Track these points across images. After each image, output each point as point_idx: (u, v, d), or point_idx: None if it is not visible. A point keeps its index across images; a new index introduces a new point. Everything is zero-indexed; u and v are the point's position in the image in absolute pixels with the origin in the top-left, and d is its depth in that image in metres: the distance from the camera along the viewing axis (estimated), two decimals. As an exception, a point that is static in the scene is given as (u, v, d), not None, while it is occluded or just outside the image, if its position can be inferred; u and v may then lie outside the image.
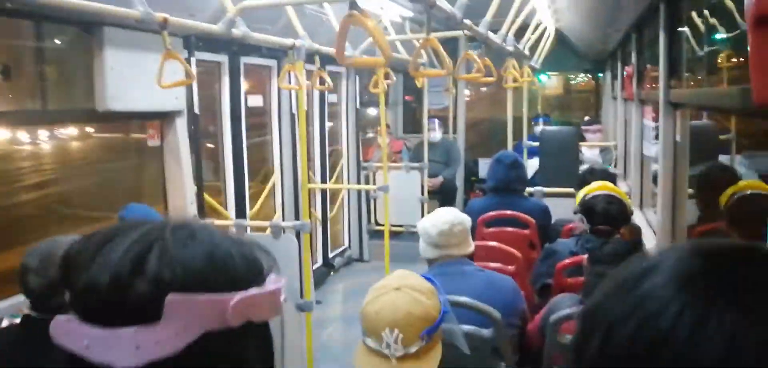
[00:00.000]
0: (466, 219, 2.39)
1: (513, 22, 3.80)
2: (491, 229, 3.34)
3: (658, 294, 0.44)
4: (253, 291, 0.59)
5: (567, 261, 2.55)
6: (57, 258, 1.10)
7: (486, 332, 2.06)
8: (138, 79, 2.89)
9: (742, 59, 2.33)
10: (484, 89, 8.36)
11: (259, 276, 0.62)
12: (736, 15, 2.16)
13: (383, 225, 4.53)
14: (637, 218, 4.03)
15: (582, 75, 8.99)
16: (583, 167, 5.07)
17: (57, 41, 2.90)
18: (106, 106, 2.83)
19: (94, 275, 0.55)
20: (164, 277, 0.55)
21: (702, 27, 2.56)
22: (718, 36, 2.43)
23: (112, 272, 0.55)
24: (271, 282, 0.62)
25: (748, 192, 2.52)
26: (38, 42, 2.71)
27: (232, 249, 0.61)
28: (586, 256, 2.29)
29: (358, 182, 6.12)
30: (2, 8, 1.73)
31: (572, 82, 9.28)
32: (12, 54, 2.77)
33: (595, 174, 3.25)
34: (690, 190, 3.07)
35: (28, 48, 2.72)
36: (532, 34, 4.82)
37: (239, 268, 0.60)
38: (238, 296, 0.57)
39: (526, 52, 5.03)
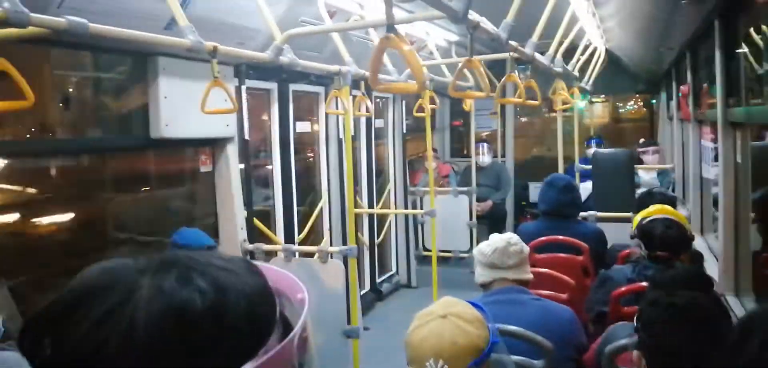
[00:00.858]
0: (524, 245, 2.35)
1: (561, 42, 3.73)
2: (543, 255, 3.24)
3: None
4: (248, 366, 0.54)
5: (623, 288, 2.44)
6: None
7: (537, 363, 1.99)
8: (191, 107, 2.98)
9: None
10: (544, 112, 8.11)
11: (263, 336, 0.57)
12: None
13: (431, 250, 4.48)
14: (699, 244, 3.83)
15: (631, 103, 8.62)
16: (640, 190, 4.89)
17: (114, 72, 3.03)
18: (161, 134, 2.94)
19: (59, 350, 0.53)
20: (125, 366, 0.52)
21: (761, 43, 2.44)
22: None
23: (73, 354, 0.52)
24: (296, 310, 0.58)
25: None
26: (96, 72, 2.84)
27: (221, 308, 0.54)
28: (646, 284, 2.18)
29: (406, 207, 6.10)
30: (56, 38, 1.82)
31: (621, 111, 8.87)
32: (72, 84, 2.91)
33: (653, 197, 3.11)
34: (752, 214, 2.91)
35: (86, 78, 2.86)
36: (582, 54, 4.71)
37: (229, 334, 0.54)
38: None
39: (576, 73, 4.92)
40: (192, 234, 2.87)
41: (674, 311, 1.38)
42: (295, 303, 0.63)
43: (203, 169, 3.54)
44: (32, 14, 1.53)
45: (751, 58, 2.59)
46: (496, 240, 2.33)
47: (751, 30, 2.53)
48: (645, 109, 8.27)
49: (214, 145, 3.49)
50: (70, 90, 2.95)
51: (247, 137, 3.64)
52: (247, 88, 3.63)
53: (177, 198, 3.87)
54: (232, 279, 0.57)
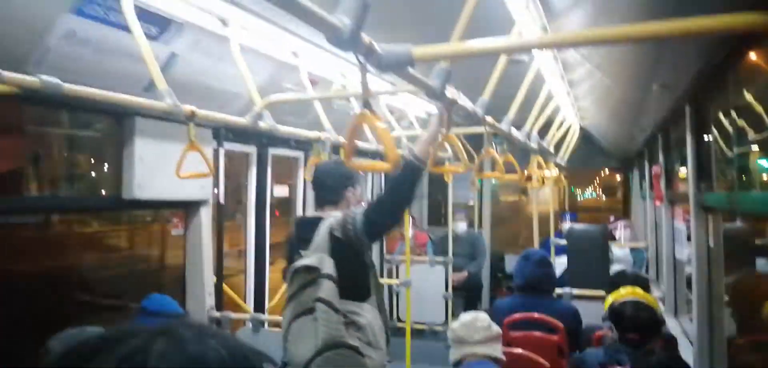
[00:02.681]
0: (494, 325, 2.34)
1: (537, 118, 3.80)
2: (518, 333, 3.20)
3: None
4: None
5: (596, 374, 2.41)
6: None
7: None
8: (165, 168, 2.94)
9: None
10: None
11: None
12: (766, 117, 2.12)
13: (405, 321, 4.40)
14: (672, 325, 3.83)
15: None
16: (614, 268, 4.91)
17: (88, 131, 2.99)
18: (133, 195, 2.87)
19: None
20: None
21: (730, 129, 2.52)
22: (750, 137, 2.37)
23: None
24: None
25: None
26: (70, 130, 2.79)
27: (230, 366, 0.58)
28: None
29: (381, 275, 6.03)
30: (29, 97, 1.79)
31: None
32: (44, 142, 2.86)
33: (626, 278, 3.13)
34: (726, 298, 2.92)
35: (58, 135, 2.81)
36: (557, 130, 4.81)
37: None
38: None
39: (551, 149, 5.01)
40: (161, 301, 2.77)
41: None
42: None
43: (175, 232, 3.46)
44: (5, 72, 1.50)
45: (721, 143, 2.66)
46: (464, 316, 2.37)
47: (720, 115, 2.61)
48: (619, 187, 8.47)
49: (187, 208, 3.43)
50: (43, 147, 2.90)
51: (222, 201, 3.59)
52: (226, 151, 3.60)
53: (148, 262, 3.77)
54: (237, 344, 0.62)
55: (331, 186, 2.54)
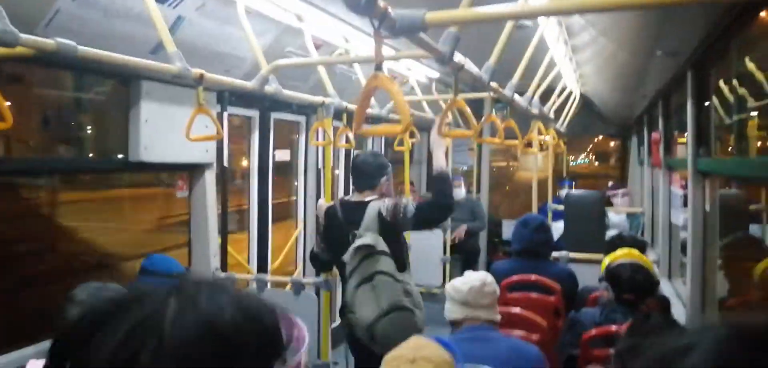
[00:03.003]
0: (497, 287, 2.39)
1: (539, 85, 3.83)
2: (515, 294, 3.28)
3: None
4: None
5: (593, 332, 2.48)
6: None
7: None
8: (171, 131, 2.97)
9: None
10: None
11: (276, 352, 0.59)
12: (766, 85, 2.16)
13: (405, 284, 4.47)
14: (665, 288, 3.92)
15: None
16: (611, 232, 4.99)
17: (95, 93, 3.01)
18: (139, 157, 2.91)
19: (87, 364, 0.53)
20: None
21: (730, 96, 2.56)
22: (749, 105, 2.41)
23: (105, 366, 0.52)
24: (292, 351, 0.61)
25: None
26: (77, 93, 2.80)
27: (244, 325, 0.57)
28: (614, 328, 2.23)
29: (381, 240, 6.09)
30: (43, 59, 1.81)
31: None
32: (52, 104, 2.87)
33: (624, 241, 3.19)
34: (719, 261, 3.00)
35: (66, 98, 2.82)
36: (558, 97, 4.84)
37: (251, 352, 0.56)
38: None
39: (551, 115, 5.04)
40: (162, 260, 2.83)
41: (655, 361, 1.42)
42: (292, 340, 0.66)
43: (180, 194, 3.51)
44: (22, 35, 1.52)
45: (721, 110, 2.70)
46: (472, 278, 2.36)
47: (721, 82, 2.65)
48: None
49: (192, 170, 3.46)
50: (51, 110, 2.91)
51: (226, 164, 3.62)
52: (229, 115, 3.62)
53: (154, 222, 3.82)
54: (249, 299, 0.61)
55: (370, 174, 3.09)
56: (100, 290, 1.75)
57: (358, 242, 2.86)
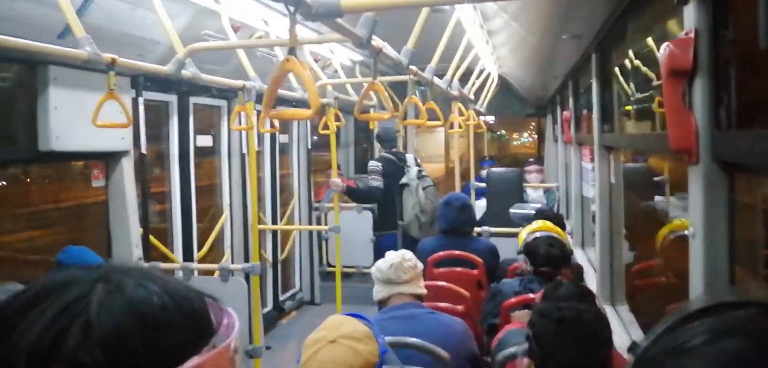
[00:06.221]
0: (418, 261, 2.47)
1: (458, 67, 3.95)
2: (441, 269, 3.41)
3: None
4: (194, 361, 0.55)
5: (513, 300, 2.63)
6: None
7: (435, 372, 2.10)
8: (83, 119, 2.83)
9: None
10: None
11: (205, 338, 0.59)
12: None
13: (335, 266, 4.52)
14: (579, 256, 4.19)
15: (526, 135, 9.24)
16: (528, 207, 5.24)
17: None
18: (50, 147, 2.77)
19: (11, 351, 0.52)
20: (83, 361, 0.51)
21: (628, 76, 2.75)
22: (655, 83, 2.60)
23: (30, 350, 0.51)
24: (221, 338, 0.60)
25: (685, 232, 2.67)
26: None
27: (172, 310, 0.57)
28: (537, 295, 2.37)
29: (310, 222, 6.11)
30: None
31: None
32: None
33: (545, 216, 3.38)
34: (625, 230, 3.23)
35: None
36: (477, 79, 5.00)
37: (179, 333, 0.56)
38: None
39: (471, 96, 5.20)
40: (79, 253, 2.72)
41: (563, 324, 1.53)
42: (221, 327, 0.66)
43: (95, 183, 3.37)
44: None
45: (627, 88, 2.90)
46: (392, 256, 2.44)
47: (627, 61, 2.84)
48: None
49: (108, 159, 3.33)
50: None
51: (143, 151, 3.51)
52: (145, 101, 3.50)
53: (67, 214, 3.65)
54: (178, 285, 0.60)
55: (393, 138, 5.09)
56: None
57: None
